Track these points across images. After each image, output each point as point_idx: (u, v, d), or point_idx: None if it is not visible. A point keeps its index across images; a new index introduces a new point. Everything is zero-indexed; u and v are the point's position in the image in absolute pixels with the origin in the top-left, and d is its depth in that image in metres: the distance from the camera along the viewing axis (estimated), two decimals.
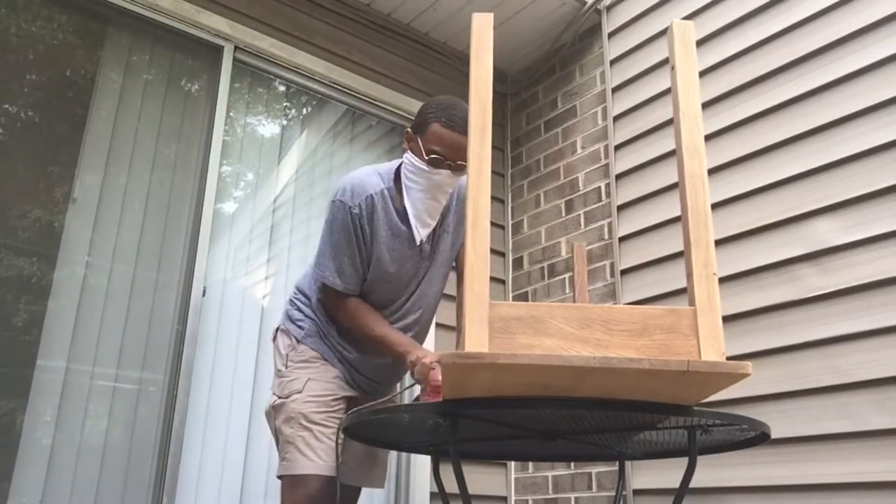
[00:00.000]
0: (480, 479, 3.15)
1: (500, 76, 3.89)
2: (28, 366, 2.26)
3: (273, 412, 1.97)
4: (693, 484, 1.43)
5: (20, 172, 2.42)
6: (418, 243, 2.00)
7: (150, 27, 2.81)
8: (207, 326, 2.62)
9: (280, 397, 1.95)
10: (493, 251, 3.59)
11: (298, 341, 2.00)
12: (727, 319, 2.57)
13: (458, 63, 3.71)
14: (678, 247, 2.82)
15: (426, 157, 1.91)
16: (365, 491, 2.12)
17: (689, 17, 3.02)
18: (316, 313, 2.03)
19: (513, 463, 3.28)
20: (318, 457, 1.87)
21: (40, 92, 2.52)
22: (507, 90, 3.91)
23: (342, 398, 1.98)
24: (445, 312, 3.27)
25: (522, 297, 3.50)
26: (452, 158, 1.91)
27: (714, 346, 1.15)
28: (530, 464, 3.20)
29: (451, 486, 1.81)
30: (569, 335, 1.15)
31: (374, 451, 2.09)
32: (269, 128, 3.14)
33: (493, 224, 3.64)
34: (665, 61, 3.09)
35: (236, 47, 2.95)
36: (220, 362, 2.64)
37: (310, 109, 3.29)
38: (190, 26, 2.86)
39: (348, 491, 2.05)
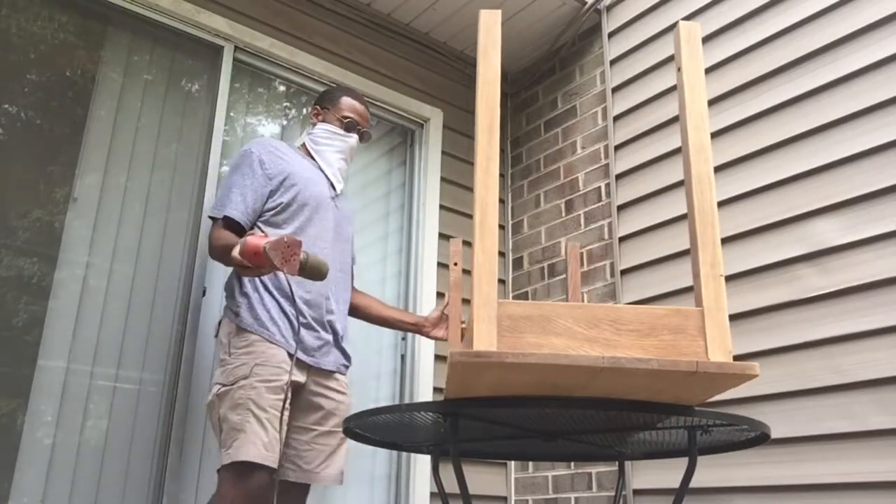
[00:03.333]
0: (480, 479, 3.15)
1: (500, 76, 3.88)
2: (28, 366, 2.26)
3: (217, 401, 1.95)
4: (693, 484, 1.44)
5: (20, 172, 2.42)
6: (338, 192, 2.33)
7: (150, 27, 2.81)
8: (207, 326, 2.62)
9: (224, 385, 1.95)
10: None
11: (238, 329, 2.02)
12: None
13: (459, 63, 3.71)
14: (678, 247, 2.82)
15: (343, 122, 2.37)
16: (364, 491, 2.10)
17: (689, 17, 3.02)
18: (248, 292, 2.08)
19: (513, 463, 3.28)
20: (266, 447, 1.85)
21: (40, 92, 2.52)
22: (507, 90, 3.91)
23: (288, 385, 1.95)
24: None
25: (522, 297, 3.50)
26: (361, 125, 2.42)
27: (721, 347, 1.15)
28: (530, 464, 3.21)
29: (451, 486, 1.81)
30: (577, 334, 1.14)
31: (330, 445, 2.11)
32: (269, 128, 3.14)
33: None
34: (665, 61, 3.09)
35: (236, 47, 2.95)
36: None
37: (310, 109, 3.29)
38: (190, 26, 2.86)
39: (293, 488, 2.05)
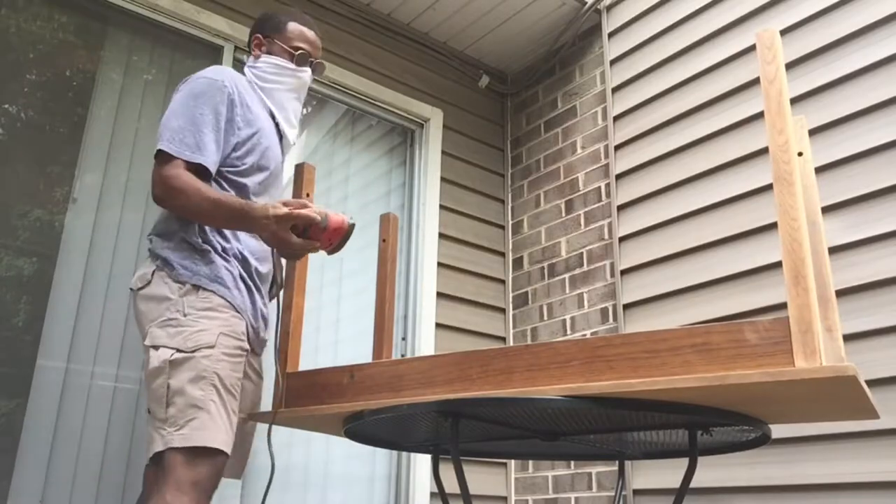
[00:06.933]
0: (480, 479, 3.15)
1: (499, 76, 3.89)
2: (28, 366, 2.25)
3: (169, 368, 1.56)
4: (693, 483, 1.43)
5: (20, 172, 2.42)
6: (293, 143, 2.01)
7: (150, 27, 2.81)
8: None
9: (182, 350, 1.58)
10: (493, 251, 3.59)
11: (194, 286, 1.66)
12: (727, 319, 2.58)
13: (458, 63, 3.71)
14: (678, 247, 2.82)
15: (294, 54, 1.95)
16: (364, 491, 2.08)
17: (688, 17, 3.02)
18: (207, 246, 1.72)
19: (513, 463, 3.28)
20: (228, 432, 1.56)
21: (40, 92, 2.52)
22: (507, 90, 3.91)
23: (249, 365, 1.77)
24: (443, 312, 3.27)
25: (522, 297, 3.50)
26: (315, 56, 2.00)
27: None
28: (530, 464, 3.21)
29: (451, 486, 1.81)
30: None
31: (242, 442, 1.83)
32: None
33: (492, 224, 3.64)
34: (665, 61, 3.10)
35: (236, 47, 2.95)
36: None
37: (310, 109, 3.29)
38: (190, 26, 2.86)
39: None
